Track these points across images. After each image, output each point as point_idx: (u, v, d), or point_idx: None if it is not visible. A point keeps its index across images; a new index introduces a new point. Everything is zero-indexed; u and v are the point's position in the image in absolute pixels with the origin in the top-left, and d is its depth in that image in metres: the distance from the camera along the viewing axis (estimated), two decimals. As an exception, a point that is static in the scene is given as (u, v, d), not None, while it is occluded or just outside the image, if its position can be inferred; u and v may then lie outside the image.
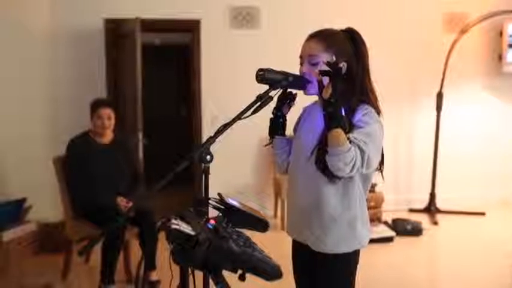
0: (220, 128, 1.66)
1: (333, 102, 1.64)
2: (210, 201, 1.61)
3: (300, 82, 1.84)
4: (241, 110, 1.69)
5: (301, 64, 1.87)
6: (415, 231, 4.97)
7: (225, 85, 5.58)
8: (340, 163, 1.63)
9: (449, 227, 5.36)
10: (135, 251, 3.93)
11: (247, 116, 1.70)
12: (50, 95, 5.15)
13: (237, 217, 1.59)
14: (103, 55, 5.26)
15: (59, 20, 5.24)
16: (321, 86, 1.74)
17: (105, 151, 3.74)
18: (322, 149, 1.72)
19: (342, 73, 1.71)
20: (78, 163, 3.64)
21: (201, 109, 5.62)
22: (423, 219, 5.37)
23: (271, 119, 2.02)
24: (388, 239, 4.75)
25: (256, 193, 5.71)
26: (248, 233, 1.58)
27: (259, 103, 1.73)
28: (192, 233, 1.26)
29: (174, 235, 1.24)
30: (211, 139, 1.63)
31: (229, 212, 1.60)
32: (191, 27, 5.58)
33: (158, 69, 7.39)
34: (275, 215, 5.56)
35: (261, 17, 5.64)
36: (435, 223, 5.40)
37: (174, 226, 1.24)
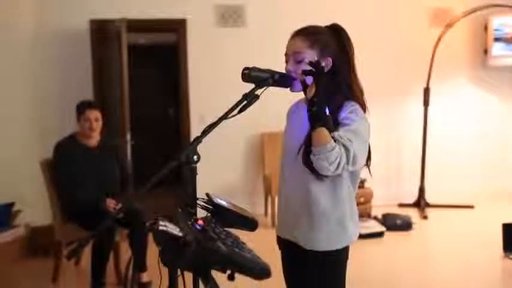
0: (206, 128, 1.65)
1: (316, 102, 1.64)
2: (198, 202, 1.60)
3: (286, 80, 1.83)
4: (228, 109, 1.69)
5: (287, 62, 1.87)
6: (405, 225, 5.00)
7: (212, 84, 5.57)
8: (324, 162, 1.63)
9: (439, 220, 5.40)
10: (125, 252, 3.90)
11: (234, 115, 1.69)
12: (36, 95, 5.11)
13: (226, 217, 1.58)
14: (89, 56, 5.23)
15: (45, 20, 5.20)
16: (304, 85, 1.74)
17: (92, 153, 3.71)
18: (307, 147, 1.72)
19: (325, 72, 1.71)
20: (66, 166, 3.61)
21: (189, 108, 5.61)
22: (413, 214, 5.41)
23: None
24: (378, 234, 4.77)
25: (246, 191, 5.72)
26: (238, 232, 1.58)
27: (245, 102, 1.72)
28: (180, 234, 1.25)
29: (162, 236, 1.24)
30: (198, 139, 1.62)
31: (217, 212, 1.59)
32: (177, 27, 5.57)
33: (145, 69, 7.36)
34: (265, 213, 5.56)
35: (247, 15, 5.63)
36: (425, 217, 5.43)
37: (161, 227, 1.24)
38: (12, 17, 4.91)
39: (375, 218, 5.16)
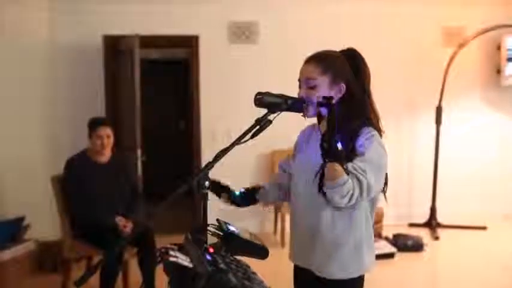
0: (219, 153, 1.65)
1: (327, 139, 1.60)
2: (208, 228, 1.59)
3: (299, 105, 1.82)
4: (240, 134, 1.68)
5: (300, 87, 1.86)
6: (416, 246, 4.93)
7: (224, 100, 5.57)
8: (336, 196, 1.63)
9: (451, 241, 5.32)
10: (134, 270, 3.88)
11: (246, 141, 1.69)
12: (48, 111, 5.14)
13: (236, 244, 1.57)
14: (102, 72, 5.25)
15: (58, 36, 5.25)
16: (319, 117, 1.73)
17: (103, 170, 3.71)
18: (322, 177, 1.71)
19: (335, 109, 1.65)
20: (77, 183, 3.60)
21: (200, 124, 5.61)
22: (424, 234, 5.34)
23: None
24: (389, 255, 4.71)
25: (256, 210, 5.67)
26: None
27: (257, 127, 1.72)
28: (190, 265, 1.23)
29: (172, 268, 1.22)
30: (210, 164, 1.62)
31: (227, 239, 1.57)
32: (190, 43, 5.59)
33: (157, 85, 7.39)
34: (275, 232, 5.52)
35: (260, 32, 5.64)
36: (436, 238, 5.36)
37: (172, 258, 1.22)
38: (26, 33, 4.96)
39: (386, 238, 5.10)
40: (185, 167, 6.51)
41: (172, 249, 1.28)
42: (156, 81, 7.33)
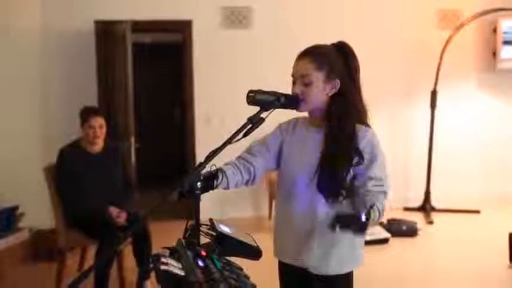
0: (210, 153, 1.63)
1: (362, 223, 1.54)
2: (201, 229, 1.57)
3: (292, 101, 1.81)
4: (232, 134, 1.67)
5: (294, 83, 1.83)
6: (411, 231, 4.96)
7: (218, 86, 5.53)
8: (376, 225, 1.70)
9: (445, 225, 5.35)
10: (129, 257, 3.89)
11: (238, 140, 1.67)
12: (41, 97, 5.09)
13: (229, 245, 1.55)
14: (94, 57, 5.19)
15: (50, 21, 5.18)
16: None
17: (96, 160, 3.67)
18: (323, 174, 1.75)
19: (364, 225, 1.56)
20: (69, 173, 3.57)
21: (194, 110, 5.57)
22: (418, 218, 5.37)
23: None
24: (383, 241, 4.73)
25: (251, 194, 5.69)
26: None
27: (250, 125, 1.70)
28: (182, 273, 1.22)
29: (164, 276, 1.21)
30: (202, 165, 1.60)
31: (220, 239, 1.56)
32: (183, 28, 5.52)
33: (150, 70, 7.31)
34: (269, 216, 5.53)
35: (253, 17, 5.57)
36: (430, 222, 5.39)
37: (163, 267, 1.21)
38: (18, 18, 4.87)
39: (380, 223, 5.11)
40: (179, 154, 6.50)
41: (164, 256, 1.26)
42: (150, 66, 7.27)
